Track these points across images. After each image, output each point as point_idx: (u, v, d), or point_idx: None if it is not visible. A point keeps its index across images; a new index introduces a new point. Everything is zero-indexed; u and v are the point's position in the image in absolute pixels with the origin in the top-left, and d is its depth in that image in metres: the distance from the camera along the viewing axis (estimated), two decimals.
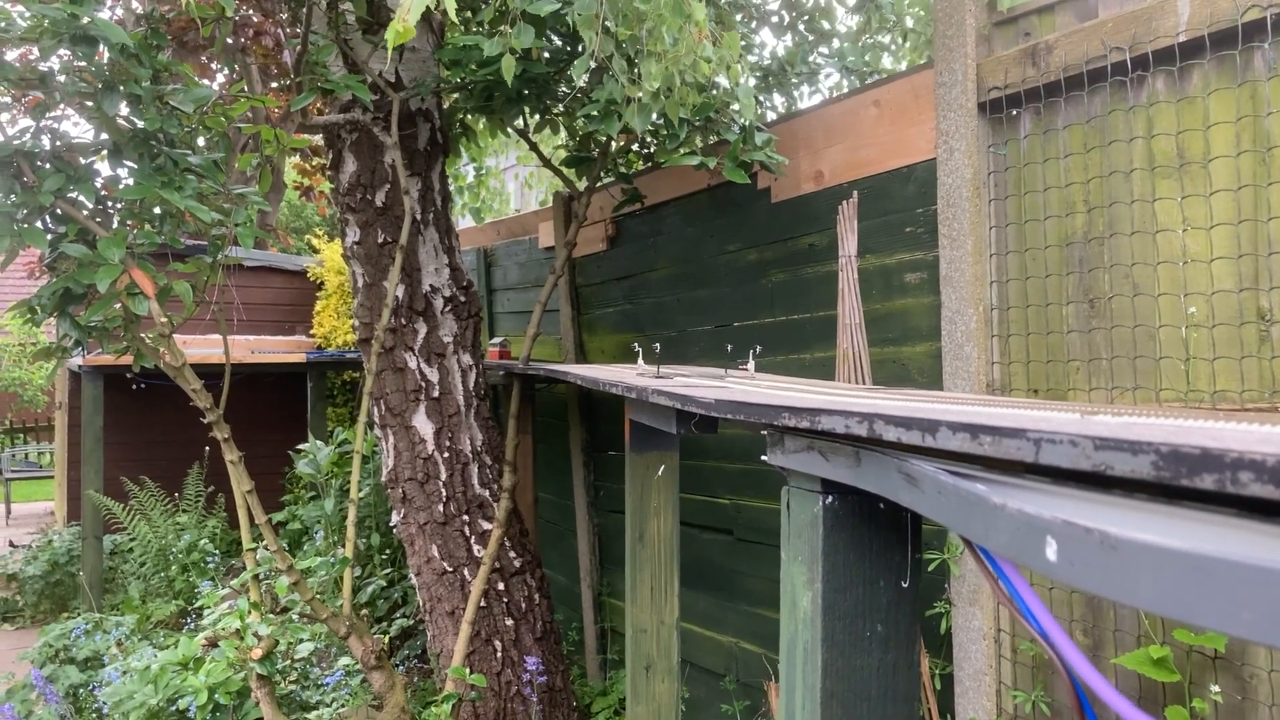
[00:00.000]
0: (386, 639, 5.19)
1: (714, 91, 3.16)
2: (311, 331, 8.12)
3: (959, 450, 0.74)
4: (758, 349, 2.91)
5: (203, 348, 7.10)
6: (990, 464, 0.79)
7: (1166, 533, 0.52)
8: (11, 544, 8.49)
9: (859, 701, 1.08)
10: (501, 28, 2.68)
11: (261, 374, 7.84)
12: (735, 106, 3.26)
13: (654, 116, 2.84)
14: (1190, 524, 0.55)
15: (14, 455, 12.46)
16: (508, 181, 11.17)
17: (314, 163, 8.54)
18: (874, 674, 1.09)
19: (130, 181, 3.13)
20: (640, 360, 3.23)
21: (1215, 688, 2.13)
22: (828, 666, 1.07)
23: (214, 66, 6.13)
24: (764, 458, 1.29)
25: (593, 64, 2.54)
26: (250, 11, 5.90)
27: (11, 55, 3.33)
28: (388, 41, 2.17)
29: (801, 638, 1.11)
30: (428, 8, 2.11)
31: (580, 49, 2.88)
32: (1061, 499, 0.65)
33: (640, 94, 2.68)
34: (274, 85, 5.94)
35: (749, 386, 1.87)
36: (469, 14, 4.29)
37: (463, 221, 7.50)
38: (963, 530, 0.74)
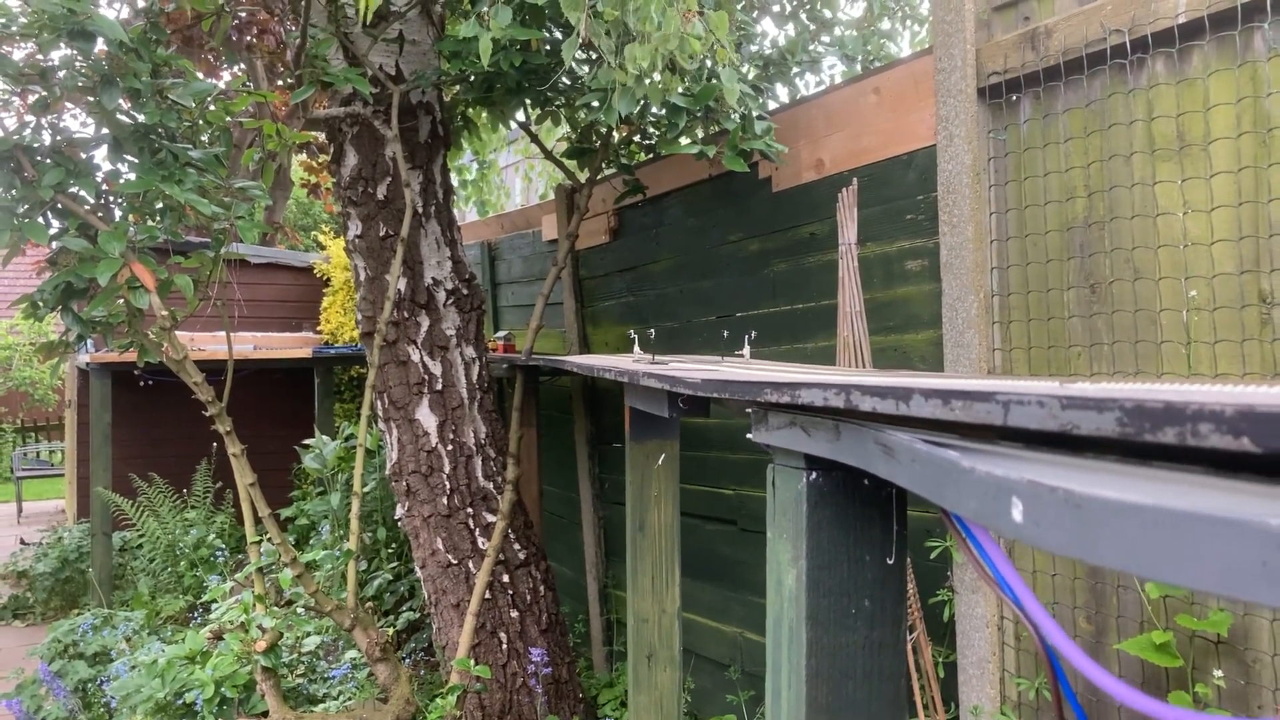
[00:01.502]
0: (393, 632, 5.20)
1: (711, 80, 3.15)
2: (319, 328, 8.14)
3: (932, 417, 0.73)
4: (753, 334, 2.91)
5: (212, 344, 7.12)
6: (964, 431, 0.78)
7: (1132, 490, 0.51)
8: (22, 541, 8.55)
9: (845, 680, 1.07)
10: (481, 9, 2.67)
11: (270, 370, 7.85)
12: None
13: (637, 102, 2.82)
14: (1157, 483, 0.54)
15: (26, 454, 12.54)
16: (510, 177, 11.17)
17: (321, 160, 8.56)
18: (859, 651, 1.08)
19: (131, 176, 3.14)
20: (636, 348, 3.22)
21: (1218, 672, 2.12)
22: (812, 644, 1.06)
23: (221, 64, 6.15)
24: (749, 436, 1.28)
25: (579, 51, 2.52)
26: (255, 8, 5.91)
27: (19, 55, 3.34)
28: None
29: (787, 616, 1.10)
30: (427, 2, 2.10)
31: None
32: (1031, 462, 0.65)
33: (625, 79, 2.66)
34: (280, 83, 5.95)
35: (740, 370, 1.86)
36: (468, 4, 4.28)
37: (470, 214, 7.50)
38: (937, 498, 0.74)
